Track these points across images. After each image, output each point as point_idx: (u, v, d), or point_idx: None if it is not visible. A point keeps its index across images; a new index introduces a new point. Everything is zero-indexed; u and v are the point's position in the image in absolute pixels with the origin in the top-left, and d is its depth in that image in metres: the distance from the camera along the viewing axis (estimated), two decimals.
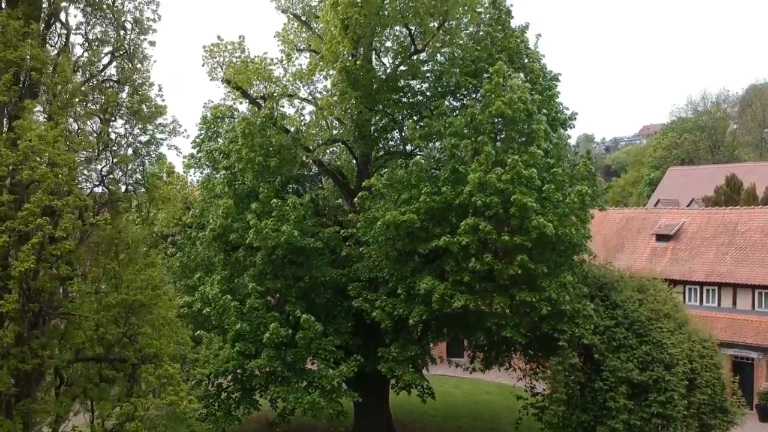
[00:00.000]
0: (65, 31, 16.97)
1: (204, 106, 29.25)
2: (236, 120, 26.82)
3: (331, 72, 26.49)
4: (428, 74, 26.18)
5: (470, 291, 22.11)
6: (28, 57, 15.26)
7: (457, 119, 23.00)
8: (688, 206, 69.79)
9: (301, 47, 29.26)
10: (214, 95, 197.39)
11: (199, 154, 28.09)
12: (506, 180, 21.35)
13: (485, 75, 24.20)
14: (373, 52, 26.12)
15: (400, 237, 22.67)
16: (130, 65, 17.25)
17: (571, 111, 27.37)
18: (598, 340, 23.74)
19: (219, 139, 28.26)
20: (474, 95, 25.05)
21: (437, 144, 24.32)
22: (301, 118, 27.55)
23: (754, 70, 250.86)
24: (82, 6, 16.92)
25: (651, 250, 41.29)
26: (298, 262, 24.35)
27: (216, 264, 25.51)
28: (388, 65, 27.00)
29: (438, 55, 26.25)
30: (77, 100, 16.01)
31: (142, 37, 17.46)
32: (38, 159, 14.38)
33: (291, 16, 29.86)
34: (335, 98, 24.95)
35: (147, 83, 17.43)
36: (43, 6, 16.57)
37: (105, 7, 17.05)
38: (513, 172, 21.42)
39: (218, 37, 27.47)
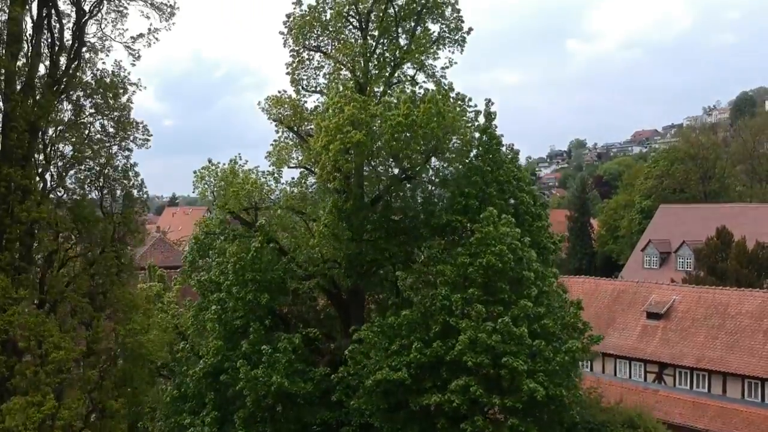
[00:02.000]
0: None
1: (196, 224, 29.18)
2: (227, 248, 26.75)
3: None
4: (419, 208, 26.17)
5: None
6: None
7: (447, 268, 23.05)
8: (678, 249, 70.37)
9: (293, 164, 29.29)
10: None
11: (191, 281, 28.01)
12: (497, 340, 21.45)
13: (476, 219, 24.15)
14: (364, 183, 26.13)
15: (392, 391, 22.73)
16: None
17: (560, 235, 27.46)
18: None
19: (209, 258, 28.25)
20: (463, 235, 24.99)
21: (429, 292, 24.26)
22: (294, 237, 27.65)
23: (747, 72, 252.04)
24: None
25: (642, 328, 41.46)
26: (288, 406, 24.38)
27: (207, 403, 25.49)
28: (379, 190, 27.03)
29: (429, 186, 26.31)
30: None
31: None
32: None
33: (285, 128, 29.93)
34: (325, 236, 24.85)
35: None
36: None
37: None
38: (504, 330, 21.54)
39: (209, 161, 27.43)
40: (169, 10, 17.89)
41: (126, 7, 16.95)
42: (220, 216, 28.23)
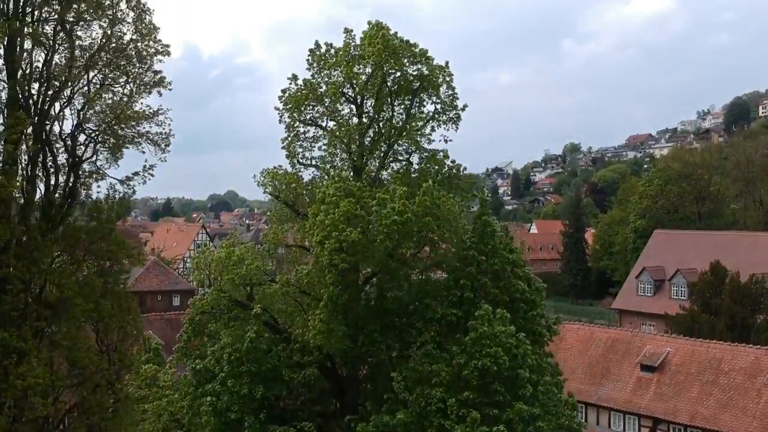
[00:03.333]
0: None
1: (190, 304, 29.19)
2: (222, 335, 26.80)
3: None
4: (414, 296, 26.22)
5: None
6: None
7: (443, 368, 23.13)
8: (672, 278, 70.53)
9: (290, 243, 29.35)
10: None
11: (187, 370, 28.04)
12: None
13: (471, 312, 24.23)
14: (359, 276, 26.20)
15: None
16: None
17: (555, 316, 27.56)
18: None
19: (206, 343, 28.32)
20: (459, 326, 25.05)
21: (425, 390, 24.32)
22: (289, 316, 27.73)
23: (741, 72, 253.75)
24: None
25: (636, 380, 41.64)
26: None
27: None
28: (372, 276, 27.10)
29: (422, 275, 26.39)
30: None
31: None
32: None
33: (282, 203, 29.97)
34: (321, 331, 24.87)
35: None
36: None
37: None
38: None
39: (203, 251, 27.47)
40: (164, 141, 17.80)
41: (122, 151, 16.93)
42: (214, 296, 28.19)
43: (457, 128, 29.49)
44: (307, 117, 30.17)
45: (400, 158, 29.41)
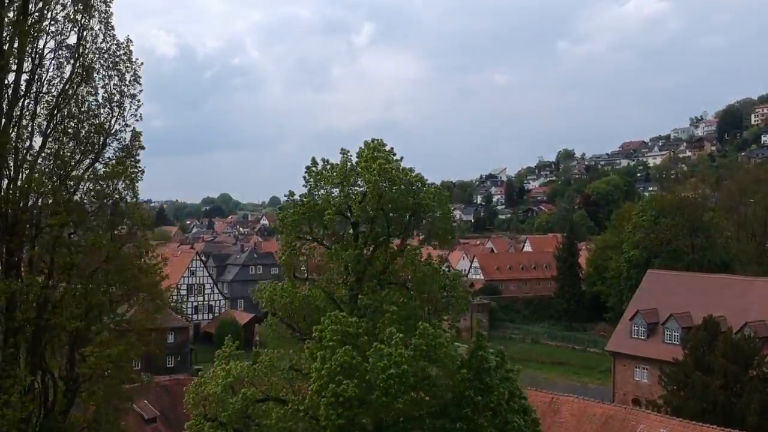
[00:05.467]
0: None
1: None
2: None
3: None
4: None
5: None
6: None
7: None
8: (666, 322, 70.80)
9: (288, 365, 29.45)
10: None
11: None
12: None
13: None
14: None
15: None
16: None
17: None
18: None
19: None
20: None
21: None
22: None
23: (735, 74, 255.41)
24: None
25: None
26: None
27: None
28: None
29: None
30: None
31: None
32: None
33: (279, 320, 30.08)
34: None
35: None
36: None
37: None
38: None
39: (199, 373, 27.54)
40: None
41: None
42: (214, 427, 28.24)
43: (452, 250, 29.65)
44: (305, 230, 30.27)
45: (397, 279, 29.47)
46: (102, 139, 21.37)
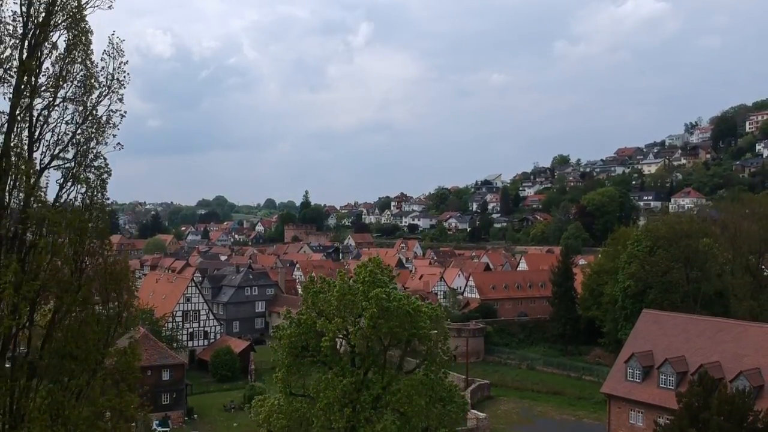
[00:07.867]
0: None
1: None
2: None
3: None
4: None
5: None
6: None
7: None
8: (661, 366, 70.90)
9: None
10: None
11: None
12: None
13: None
14: None
15: None
16: None
17: None
18: None
19: None
20: None
21: None
22: None
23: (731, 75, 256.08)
24: None
25: None
26: None
27: None
28: None
29: None
30: None
31: None
32: None
33: None
34: None
35: None
36: None
37: None
38: None
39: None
40: None
41: None
42: None
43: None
44: (301, 348, 30.30)
45: (393, 406, 29.48)
46: None
